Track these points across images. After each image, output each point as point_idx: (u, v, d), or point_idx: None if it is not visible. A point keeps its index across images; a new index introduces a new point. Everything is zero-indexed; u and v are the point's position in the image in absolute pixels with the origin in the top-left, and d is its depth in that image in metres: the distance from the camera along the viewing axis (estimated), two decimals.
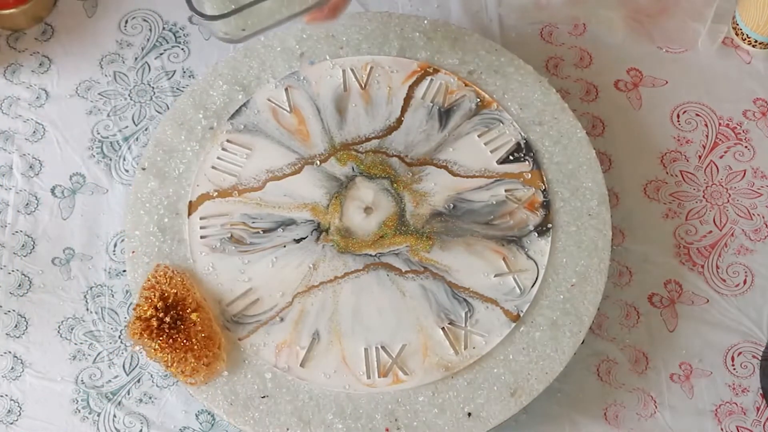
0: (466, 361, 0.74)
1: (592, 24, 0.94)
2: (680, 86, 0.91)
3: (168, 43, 0.93)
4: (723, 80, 0.91)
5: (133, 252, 0.78)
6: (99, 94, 0.90)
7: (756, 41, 0.91)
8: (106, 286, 0.81)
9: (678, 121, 0.89)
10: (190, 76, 0.91)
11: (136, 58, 0.92)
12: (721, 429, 0.76)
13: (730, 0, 0.92)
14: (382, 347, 0.74)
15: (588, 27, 0.94)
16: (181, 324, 0.73)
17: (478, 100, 0.85)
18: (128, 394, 0.77)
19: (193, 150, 0.82)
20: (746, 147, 0.88)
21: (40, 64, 0.91)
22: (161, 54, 0.92)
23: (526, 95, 0.85)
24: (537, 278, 0.77)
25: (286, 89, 0.85)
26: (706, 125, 0.89)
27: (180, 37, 0.93)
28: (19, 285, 0.81)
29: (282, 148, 0.82)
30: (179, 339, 0.72)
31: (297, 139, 0.83)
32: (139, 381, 0.78)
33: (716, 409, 0.77)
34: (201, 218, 0.79)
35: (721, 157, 0.88)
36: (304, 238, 0.79)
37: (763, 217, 0.85)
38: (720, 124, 0.89)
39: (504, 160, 0.82)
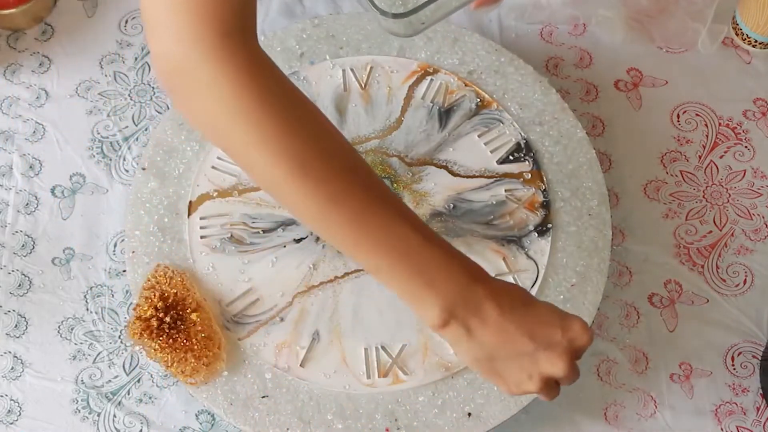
0: None
1: (592, 24, 0.94)
2: (680, 86, 0.91)
3: None
4: (723, 80, 0.91)
5: (133, 252, 0.78)
6: (99, 94, 0.90)
7: (756, 41, 0.91)
8: (106, 286, 0.81)
9: (678, 121, 0.89)
10: None
11: (136, 58, 0.92)
12: (721, 429, 0.76)
13: (730, 0, 0.92)
14: (382, 347, 0.74)
15: (588, 27, 0.94)
16: (181, 324, 0.73)
17: (478, 100, 0.85)
18: (128, 394, 0.77)
19: (193, 150, 0.82)
20: (746, 147, 0.88)
21: (40, 64, 0.91)
22: None
23: (526, 95, 0.85)
24: (537, 278, 0.77)
25: None
26: (706, 125, 0.89)
27: None
28: (19, 285, 0.81)
29: None
30: (179, 339, 0.72)
31: None
32: (139, 381, 0.78)
33: (716, 409, 0.77)
34: (201, 218, 0.79)
35: (721, 157, 0.88)
36: (304, 238, 0.79)
37: (763, 217, 0.85)
38: (720, 124, 0.89)
39: (504, 160, 0.82)
